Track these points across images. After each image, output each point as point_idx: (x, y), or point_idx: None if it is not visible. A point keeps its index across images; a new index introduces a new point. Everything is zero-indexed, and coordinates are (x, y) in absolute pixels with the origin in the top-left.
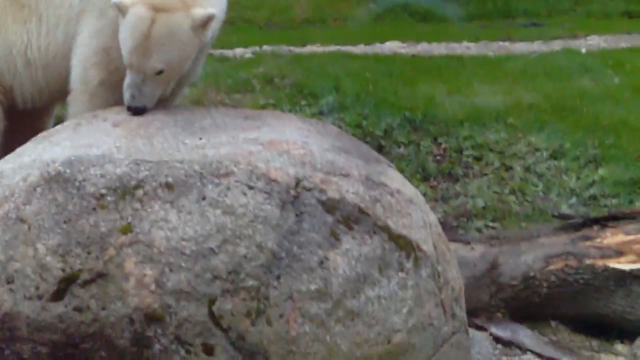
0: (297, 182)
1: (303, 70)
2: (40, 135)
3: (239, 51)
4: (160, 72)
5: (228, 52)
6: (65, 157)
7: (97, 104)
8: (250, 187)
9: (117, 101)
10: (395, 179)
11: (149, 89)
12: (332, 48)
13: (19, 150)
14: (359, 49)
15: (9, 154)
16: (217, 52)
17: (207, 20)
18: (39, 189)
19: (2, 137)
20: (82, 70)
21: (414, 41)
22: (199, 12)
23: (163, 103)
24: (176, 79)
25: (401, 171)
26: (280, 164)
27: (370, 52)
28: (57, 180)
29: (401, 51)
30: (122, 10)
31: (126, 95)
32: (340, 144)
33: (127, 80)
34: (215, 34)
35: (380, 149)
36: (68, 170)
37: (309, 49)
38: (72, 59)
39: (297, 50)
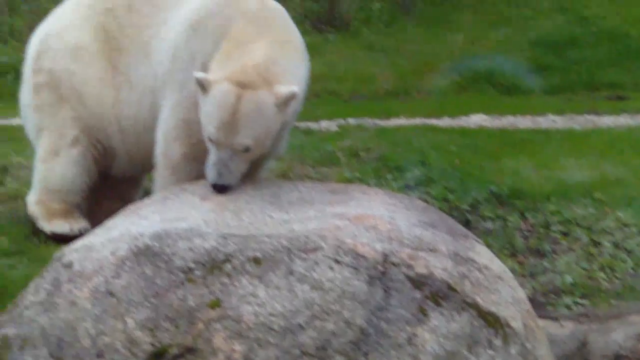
0: (385, 258)
1: (388, 143)
2: (128, 208)
3: (324, 124)
4: (247, 149)
5: (313, 125)
6: (153, 230)
7: (180, 177)
8: (338, 262)
9: (200, 174)
10: (483, 254)
11: (235, 165)
12: (417, 121)
13: (108, 223)
14: (444, 121)
15: (97, 223)
16: (303, 125)
17: (290, 98)
18: (128, 263)
19: (90, 202)
20: (164, 143)
21: (498, 114)
22: (283, 89)
23: (249, 177)
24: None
25: (488, 246)
26: (367, 239)
27: (455, 125)
28: (146, 254)
29: (486, 124)
30: (205, 87)
31: (211, 173)
32: (427, 219)
33: (213, 158)
34: (297, 110)
35: (467, 223)
36: (157, 244)
37: (393, 121)
38: (156, 132)
39: (382, 122)
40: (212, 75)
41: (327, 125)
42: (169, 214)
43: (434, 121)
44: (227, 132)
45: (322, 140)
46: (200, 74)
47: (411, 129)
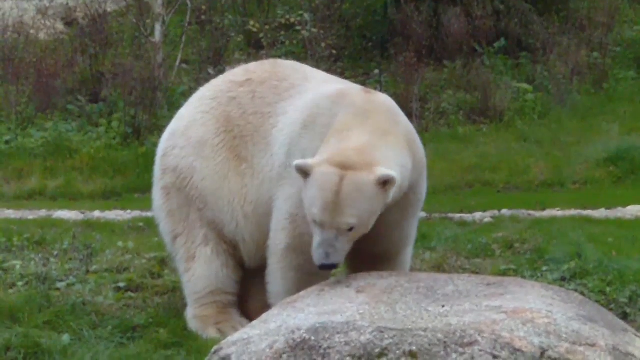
0: (542, 352)
1: (543, 235)
2: (285, 301)
3: (478, 215)
4: (351, 228)
5: (467, 217)
6: (310, 324)
7: (284, 266)
8: (495, 357)
9: (301, 264)
10: None
11: (340, 245)
12: (572, 212)
13: (264, 316)
14: (600, 212)
15: (244, 315)
16: (457, 216)
17: (389, 182)
18: (284, 356)
19: (239, 289)
20: (273, 232)
21: None
22: (382, 171)
23: (384, 268)
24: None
25: None
26: (524, 333)
27: (612, 216)
28: (303, 348)
29: None
30: (306, 171)
31: (318, 254)
32: (584, 312)
33: (318, 239)
34: (419, 200)
35: (625, 316)
36: (313, 338)
37: (548, 212)
38: (272, 221)
39: (537, 214)
40: (312, 160)
41: (481, 216)
42: (325, 307)
43: (589, 212)
44: (332, 213)
45: (476, 232)
46: (299, 161)
47: (566, 220)
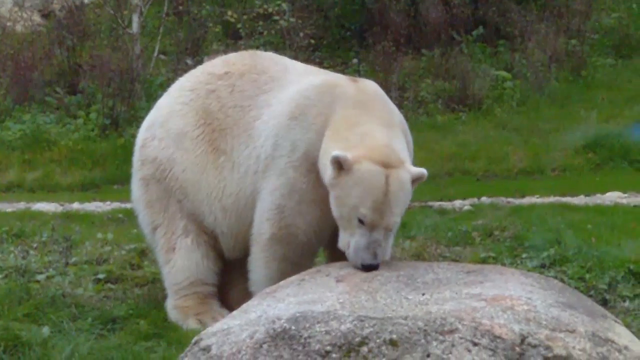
0: (522, 339)
1: (523, 222)
2: (264, 291)
3: (457, 203)
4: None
5: (447, 205)
6: (290, 314)
7: (267, 256)
8: (475, 344)
9: (285, 255)
10: (622, 335)
11: (386, 243)
12: (551, 199)
13: (244, 306)
14: (579, 199)
15: (225, 304)
16: (436, 204)
17: (422, 177)
18: (265, 346)
19: (219, 280)
20: (257, 223)
21: (635, 191)
22: (415, 168)
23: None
24: None
25: (628, 326)
26: (504, 320)
27: (591, 202)
28: (283, 337)
29: (622, 201)
30: (344, 165)
31: (366, 254)
32: (564, 299)
33: (365, 239)
34: None
35: (604, 303)
36: (293, 327)
37: (527, 200)
38: (255, 212)
39: (516, 201)
40: (350, 154)
41: (461, 204)
42: (305, 296)
43: (568, 199)
44: (382, 213)
45: (456, 220)
46: (339, 153)
47: (546, 207)
